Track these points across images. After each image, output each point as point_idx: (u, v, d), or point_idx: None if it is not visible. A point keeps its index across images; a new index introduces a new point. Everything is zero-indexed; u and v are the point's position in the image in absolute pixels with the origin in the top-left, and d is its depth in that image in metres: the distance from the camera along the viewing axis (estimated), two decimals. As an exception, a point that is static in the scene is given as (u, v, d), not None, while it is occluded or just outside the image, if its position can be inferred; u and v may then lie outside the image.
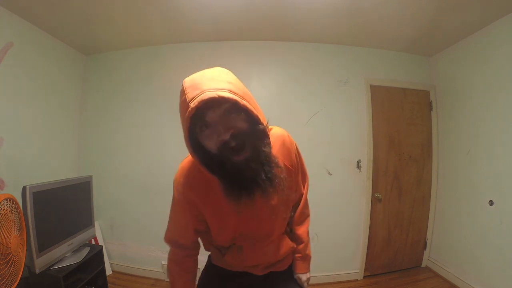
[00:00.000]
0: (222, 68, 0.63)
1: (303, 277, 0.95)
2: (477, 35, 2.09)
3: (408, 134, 2.50)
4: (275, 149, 0.73)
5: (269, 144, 0.62)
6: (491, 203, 1.93)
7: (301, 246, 0.95)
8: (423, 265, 2.57)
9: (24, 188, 1.45)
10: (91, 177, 2.08)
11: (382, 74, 2.49)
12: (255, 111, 0.59)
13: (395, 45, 2.42)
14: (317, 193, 2.27)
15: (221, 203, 0.68)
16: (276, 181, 0.63)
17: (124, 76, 2.51)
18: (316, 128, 2.36)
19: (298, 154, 0.87)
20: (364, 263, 2.41)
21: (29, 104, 1.97)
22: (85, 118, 2.55)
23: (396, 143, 2.48)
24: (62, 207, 1.75)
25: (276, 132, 0.79)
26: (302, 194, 0.94)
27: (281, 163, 0.67)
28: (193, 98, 0.55)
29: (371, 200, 2.40)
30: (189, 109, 0.54)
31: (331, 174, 2.35)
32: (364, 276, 2.42)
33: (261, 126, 0.60)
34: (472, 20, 1.94)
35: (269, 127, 0.72)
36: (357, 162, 2.39)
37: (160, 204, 2.40)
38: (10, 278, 1.22)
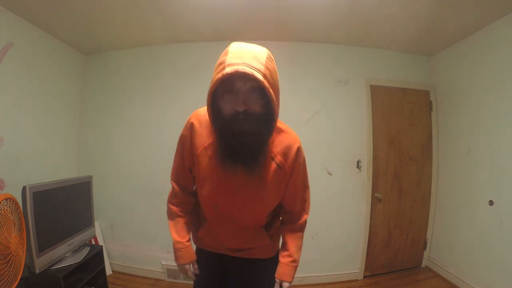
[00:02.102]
0: (269, 53, 0.67)
1: (285, 285, 0.86)
2: (477, 35, 2.09)
3: (408, 134, 2.50)
4: (278, 145, 0.79)
5: (270, 135, 0.70)
6: (491, 203, 1.92)
7: (292, 248, 0.89)
8: (423, 265, 2.57)
9: (24, 188, 1.45)
10: (91, 177, 2.08)
11: (382, 74, 2.49)
12: (275, 104, 0.64)
13: (395, 45, 2.42)
14: (317, 193, 2.26)
15: (212, 160, 0.77)
16: (259, 165, 0.71)
17: (124, 76, 2.51)
18: (316, 128, 2.35)
19: (301, 169, 0.86)
20: (364, 263, 2.41)
21: (29, 104, 1.97)
22: (85, 118, 2.55)
23: (396, 143, 2.48)
24: (62, 207, 1.75)
25: (289, 133, 0.84)
26: (293, 212, 0.92)
27: (274, 157, 0.77)
28: (231, 64, 0.60)
29: (371, 200, 2.40)
30: (224, 71, 0.60)
31: (331, 174, 2.35)
32: (364, 276, 2.42)
33: (273, 121, 0.67)
34: (472, 20, 1.94)
35: (285, 127, 0.83)
36: (357, 162, 2.39)
37: (160, 204, 2.40)
38: (10, 278, 1.22)
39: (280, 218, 0.99)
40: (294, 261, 0.89)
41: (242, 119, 0.63)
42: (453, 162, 2.35)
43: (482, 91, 2.05)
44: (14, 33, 1.82)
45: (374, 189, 2.41)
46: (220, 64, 0.64)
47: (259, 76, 0.60)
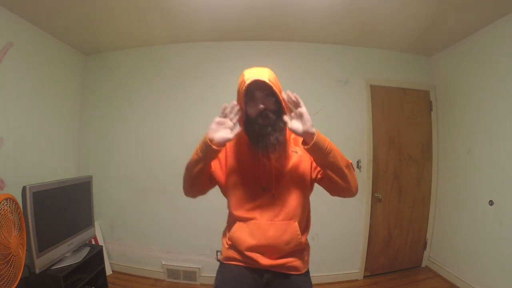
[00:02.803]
0: (270, 70, 0.91)
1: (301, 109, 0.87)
2: (477, 35, 2.09)
3: (408, 134, 2.50)
4: (291, 140, 1.01)
5: (284, 124, 0.89)
6: (491, 203, 1.92)
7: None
8: (423, 265, 2.57)
9: (24, 188, 1.45)
10: (91, 177, 2.08)
11: (382, 74, 2.49)
12: (282, 101, 0.89)
13: (395, 45, 2.42)
14: (317, 193, 2.27)
15: (242, 155, 0.97)
16: (279, 145, 0.89)
17: (124, 76, 2.51)
18: (316, 128, 2.35)
19: None
20: (364, 263, 2.41)
21: (29, 104, 1.97)
22: (85, 118, 2.55)
23: (396, 143, 2.48)
24: (62, 207, 1.75)
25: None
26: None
27: (291, 148, 0.99)
28: (248, 79, 0.86)
29: (371, 200, 2.40)
30: (245, 84, 0.85)
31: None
32: (364, 276, 2.42)
33: (283, 114, 0.90)
34: (472, 20, 1.94)
35: None
36: (357, 162, 2.38)
37: (160, 204, 2.41)
38: (10, 278, 1.22)
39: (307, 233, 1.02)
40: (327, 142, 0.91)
41: (264, 115, 0.88)
42: (453, 162, 2.35)
43: (482, 91, 2.05)
44: (14, 33, 1.82)
45: (374, 189, 2.41)
46: (240, 84, 0.89)
47: (267, 81, 0.85)
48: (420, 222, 2.55)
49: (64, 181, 1.79)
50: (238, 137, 0.95)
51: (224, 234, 1.04)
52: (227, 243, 0.99)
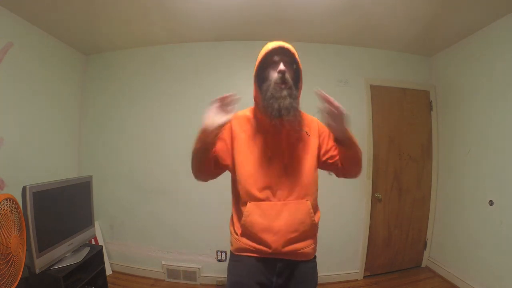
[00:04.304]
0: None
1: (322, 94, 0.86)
2: (477, 35, 2.09)
3: (408, 134, 2.50)
4: (303, 122, 0.96)
5: (299, 96, 0.91)
6: (491, 203, 1.92)
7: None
8: (423, 265, 2.57)
9: (24, 188, 1.44)
10: (91, 177, 2.08)
11: (382, 74, 2.49)
12: (301, 72, 0.91)
13: (395, 45, 2.42)
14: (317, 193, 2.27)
15: (254, 136, 0.95)
16: (293, 110, 0.86)
17: (124, 76, 2.51)
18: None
19: (327, 132, 1.01)
20: (364, 263, 2.41)
21: (29, 104, 1.97)
22: (85, 118, 2.55)
23: (396, 143, 2.48)
24: (62, 207, 1.75)
25: (308, 115, 1.03)
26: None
27: (303, 127, 0.96)
28: (271, 45, 0.88)
29: (371, 200, 2.40)
30: (268, 48, 0.88)
31: (331, 174, 2.35)
32: (364, 276, 2.42)
33: (300, 83, 0.92)
34: (472, 20, 1.94)
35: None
36: (357, 162, 2.38)
37: (160, 204, 2.41)
38: (10, 278, 1.22)
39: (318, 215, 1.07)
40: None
41: (283, 79, 0.86)
42: (453, 162, 2.35)
43: (482, 91, 2.05)
44: (14, 33, 1.82)
45: (374, 189, 2.41)
46: (263, 49, 0.90)
47: (291, 49, 0.88)
48: (420, 222, 2.55)
49: (64, 181, 1.79)
50: (244, 115, 0.99)
51: (232, 222, 1.00)
52: (236, 232, 0.95)
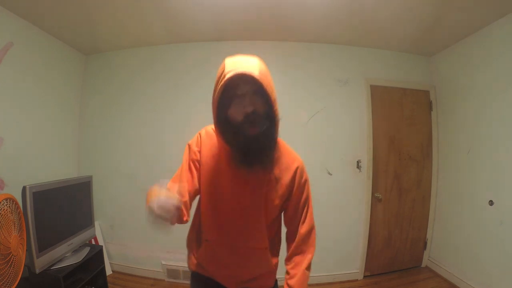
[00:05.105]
0: (261, 61, 0.72)
1: None
2: (477, 35, 2.09)
3: (408, 134, 2.50)
4: (279, 163, 0.81)
5: (276, 134, 0.74)
6: (491, 203, 1.92)
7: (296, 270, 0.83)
8: (423, 265, 2.57)
9: (24, 188, 1.45)
10: (91, 177, 2.09)
11: (382, 74, 2.49)
12: (273, 101, 0.69)
13: (395, 45, 2.42)
14: (317, 193, 2.25)
15: (219, 170, 0.79)
16: (272, 163, 0.75)
17: (124, 76, 2.51)
18: (316, 128, 2.35)
19: (302, 187, 0.85)
20: (364, 263, 2.41)
21: (29, 104, 1.97)
22: (85, 118, 2.55)
23: (396, 143, 2.48)
24: (62, 207, 1.75)
25: (290, 154, 0.86)
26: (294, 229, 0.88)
27: (274, 170, 0.79)
28: (230, 71, 0.65)
29: (371, 200, 2.40)
30: (226, 78, 0.64)
31: (331, 174, 2.35)
32: (364, 276, 2.42)
33: (275, 120, 0.71)
34: (472, 20, 1.94)
35: (289, 149, 0.86)
36: (357, 162, 2.38)
37: (160, 204, 2.40)
38: (10, 278, 1.22)
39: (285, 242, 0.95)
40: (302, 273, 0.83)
41: (252, 120, 0.68)
42: (453, 162, 2.35)
43: (482, 91, 2.05)
44: (14, 33, 1.82)
45: (374, 189, 2.41)
46: (220, 75, 0.68)
47: (256, 75, 0.65)
48: (420, 222, 2.54)
49: (64, 181, 1.79)
50: (213, 135, 0.82)
51: (191, 243, 0.94)
52: (194, 255, 0.91)
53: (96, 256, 1.92)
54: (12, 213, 1.30)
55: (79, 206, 1.94)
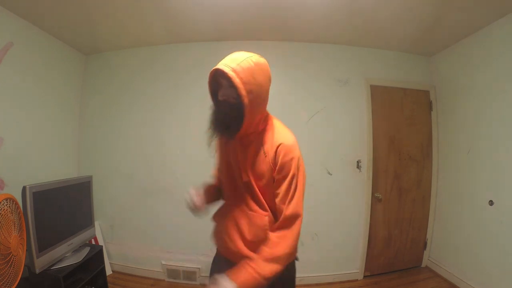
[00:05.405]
0: (253, 57, 0.84)
1: (226, 284, 0.73)
2: (477, 35, 2.09)
3: (408, 134, 2.50)
4: (267, 139, 0.91)
5: (242, 119, 0.84)
6: (491, 203, 1.92)
7: (266, 248, 0.81)
8: (423, 265, 2.57)
9: (24, 188, 1.45)
10: (91, 177, 2.08)
11: (382, 74, 2.49)
12: (242, 96, 0.79)
13: (395, 45, 2.42)
14: (317, 193, 2.27)
15: (227, 149, 1.00)
16: (238, 133, 0.87)
17: (124, 76, 2.51)
18: (316, 128, 2.35)
19: (284, 164, 0.85)
20: (364, 263, 2.41)
21: (29, 104, 1.97)
22: (85, 118, 2.55)
23: (396, 143, 2.48)
24: (62, 207, 1.75)
25: (280, 133, 0.93)
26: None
27: (263, 145, 0.91)
28: (216, 65, 0.83)
29: (371, 200, 2.40)
30: (211, 70, 0.85)
31: (331, 174, 2.35)
32: (364, 276, 2.42)
33: (243, 106, 0.81)
34: (472, 20, 1.94)
35: (282, 128, 0.96)
36: (357, 162, 2.38)
37: (160, 204, 2.40)
38: (10, 278, 1.22)
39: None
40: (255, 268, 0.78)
41: (222, 106, 0.86)
42: (453, 162, 2.35)
43: (482, 91, 2.05)
44: (14, 33, 1.82)
45: (374, 189, 2.41)
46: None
47: (227, 70, 0.79)
48: (420, 222, 2.54)
49: (64, 181, 1.79)
50: None
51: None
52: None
53: (96, 256, 1.92)
54: (12, 213, 1.30)
55: (79, 206, 1.94)
